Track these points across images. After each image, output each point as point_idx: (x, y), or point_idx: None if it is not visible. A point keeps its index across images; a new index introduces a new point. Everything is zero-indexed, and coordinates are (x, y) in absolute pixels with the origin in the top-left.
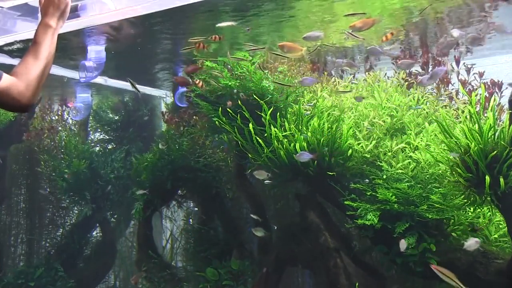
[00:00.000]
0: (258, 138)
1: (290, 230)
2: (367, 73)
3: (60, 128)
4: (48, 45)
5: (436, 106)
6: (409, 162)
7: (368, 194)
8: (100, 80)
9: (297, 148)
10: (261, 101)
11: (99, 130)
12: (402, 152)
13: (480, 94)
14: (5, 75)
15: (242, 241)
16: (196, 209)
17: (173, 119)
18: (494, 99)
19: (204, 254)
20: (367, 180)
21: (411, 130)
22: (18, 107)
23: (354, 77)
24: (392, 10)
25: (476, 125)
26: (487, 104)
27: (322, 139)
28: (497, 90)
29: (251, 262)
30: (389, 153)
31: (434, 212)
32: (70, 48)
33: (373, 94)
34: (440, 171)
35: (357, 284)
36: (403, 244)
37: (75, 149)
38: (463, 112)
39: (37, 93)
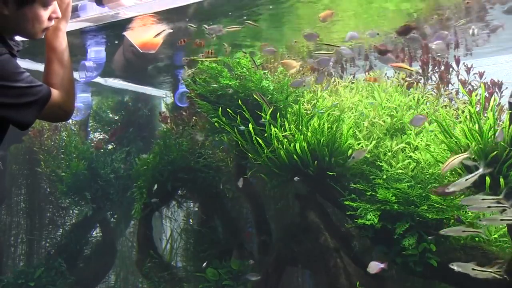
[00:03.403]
0: (258, 138)
1: (290, 230)
2: (367, 73)
3: (60, 128)
4: (65, 49)
5: (436, 106)
6: (409, 162)
7: (368, 194)
8: (100, 80)
9: (297, 148)
10: (261, 101)
11: (99, 130)
12: (402, 152)
13: (480, 94)
14: (52, 90)
15: (242, 241)
16: (196, 209)
17: (167, 118)
18: (494, 99)
19: (204, 254)
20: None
21: (411, 130)
22: (65, 117)
23: (354, 77)
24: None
25: (476, 125)
26: (487, 104)
27: (322, 139)
28: (497, 90)
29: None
30: (389, 153)
31: (434, 212)
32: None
33: (373, 94)
34: (440, 171)
35: (357, 283)
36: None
37: (75, 149)
38: (463, 112)
39: (75, 97)
